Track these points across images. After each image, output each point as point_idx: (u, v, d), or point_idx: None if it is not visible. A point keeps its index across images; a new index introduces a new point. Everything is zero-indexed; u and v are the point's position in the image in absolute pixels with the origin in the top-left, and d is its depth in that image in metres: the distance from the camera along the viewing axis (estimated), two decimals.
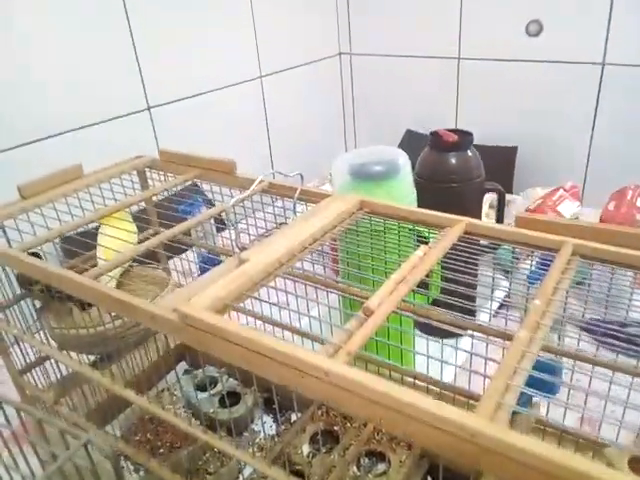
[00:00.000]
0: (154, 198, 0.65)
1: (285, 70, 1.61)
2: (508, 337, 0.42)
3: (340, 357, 0.29)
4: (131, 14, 1.18)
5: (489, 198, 0.96)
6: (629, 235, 0.39)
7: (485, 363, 0.35)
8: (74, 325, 0.54)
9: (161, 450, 0.67)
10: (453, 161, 0.77)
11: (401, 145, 1.67)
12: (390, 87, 1.73)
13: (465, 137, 0.78)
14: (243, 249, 0.42)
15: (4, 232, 0.52)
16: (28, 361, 0.60)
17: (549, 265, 0.47)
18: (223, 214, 0.52)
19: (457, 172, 0.77)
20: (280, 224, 0.45)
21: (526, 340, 0.30)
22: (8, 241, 0.50)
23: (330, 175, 1.29)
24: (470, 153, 0.78)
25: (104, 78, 1.16)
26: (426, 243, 0.45)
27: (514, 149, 1.48)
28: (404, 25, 1.62)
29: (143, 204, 0.66)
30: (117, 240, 0.58)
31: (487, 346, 0.42)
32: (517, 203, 1.15)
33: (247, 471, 0.65)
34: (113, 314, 0.53)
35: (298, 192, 0.48)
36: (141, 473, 0.65)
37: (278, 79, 1.59)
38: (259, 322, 0.59)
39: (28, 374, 0.61)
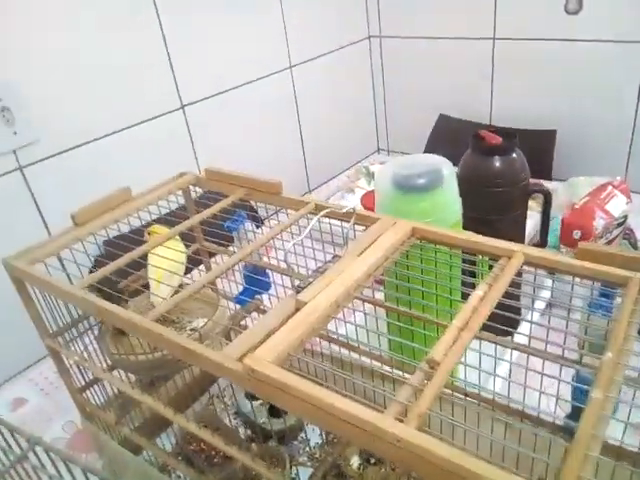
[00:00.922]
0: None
1: (315, 58, 1.59)
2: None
3: (411, 421, 0.30)
4: (161, 10, 1.17)
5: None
6: None
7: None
8: (131, 350, 0.56)
9: (215, 459, 0.69)
10: (497, 165, 0.75)
11: (434, 130, 1.64)
12: (422, 70, 1.69)
13: (509, 139, 0.76)
14: (299, 288, 0.42)
15: (61, 263, 0.54)
16: (87, 379, 0.63)
17: (609, 295, 0.46)
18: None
19: (502, 176, 0.75)
20: (334, 257, 0.45)
21: (600, 405, 0.29)
22: (68, 276, 0.51)
23: (364, 169, 1.28)
24: (515, 155, 0.76)
25: (137, 79, 1.16)
26: (473, 275, 0.44)
27: (553, 133, 1.44)
28: (436, 5, 1.57)
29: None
30: (167, 260, 0.59)
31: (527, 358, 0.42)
32: (558, 194, 1.11)
33: None
34: None
35: (353, 221, 0.48)
36: None
37: (307, 68, 1.57)
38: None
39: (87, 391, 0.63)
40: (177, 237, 0.64)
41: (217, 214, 0.64)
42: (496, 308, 0.39)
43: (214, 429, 0.77)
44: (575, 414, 0.48)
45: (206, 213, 0.61)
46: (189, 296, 0.48)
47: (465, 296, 0.40)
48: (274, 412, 0.72)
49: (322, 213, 0.48)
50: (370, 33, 1.75)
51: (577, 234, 0.81)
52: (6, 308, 0.56)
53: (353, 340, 0.43)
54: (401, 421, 0.30)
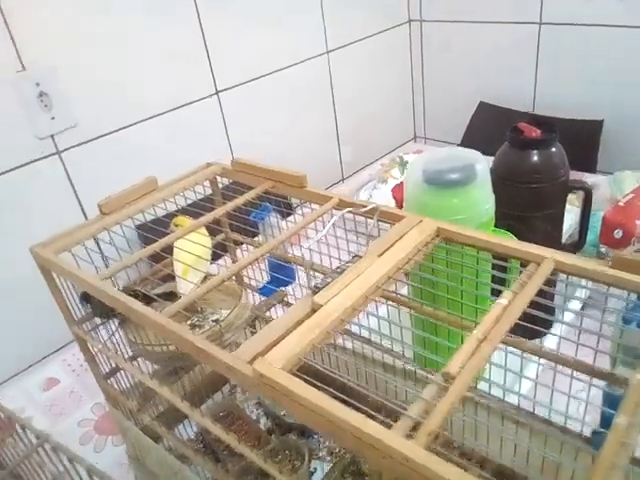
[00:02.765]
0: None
1: (352, 43, 1.56)
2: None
3: (420, 438, 0.28)
4: None
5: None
6: None
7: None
8: (152, 339, 0.56)
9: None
10: (535, 159, 0.72)
11: (473, 118, 1.59)
12: (463, 56, 1.64)
13: (549, 131, 0.73)
14: (316, 288, 0.41)
15: (87, 253, 0.54)
16: (112, 366, 0.64)
17: None
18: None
19: (540, 171, 0.72)
20: (354, 257, 0.44)
21: (623, 432, 0.27)
22: (96, 268, 0.52)
23: (399, 158, 1.25)
24: (554, 149, 0.72)
25: (173, 64, 1.17)
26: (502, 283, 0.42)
27: (599, 123, 1.37)
28: None
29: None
30: (193, 250, 0.59)
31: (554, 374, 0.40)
32: (602, 188, 1.06)
33: (317, 477, 0.66)
34: None
35: (376, 218, 0.46)
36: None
37: (344, 53, 1.54)
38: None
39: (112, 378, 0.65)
40: (203, 228, 0.64)
41: (243, 206, 0.63)
42: (528, 307, 0.37)
43: (235, 419, 0.78)
44: (605, 425, 0.46)
45: (232, 204, 0.61)
46: (212, 289, 0.47)
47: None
48: None
49: (344, 212, 0.46)
50: (411, 17, 1.70)
51: (618, 233, 0.76)
52: (40, 290, 0.57)
53: (376, 333, 0.42)
54: (411, 437, 0.28)
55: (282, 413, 0.71)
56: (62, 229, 0.57)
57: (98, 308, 0.55)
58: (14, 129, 0.96)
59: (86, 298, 0.54)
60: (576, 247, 0.79)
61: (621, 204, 0.79)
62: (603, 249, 0.79)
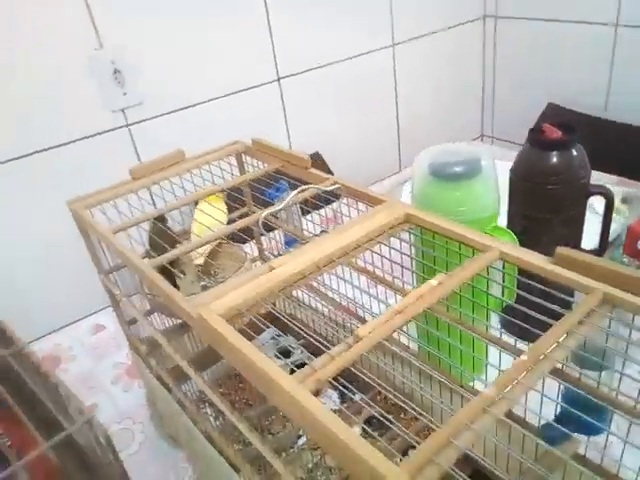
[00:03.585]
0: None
1: (422, 36, 1.56)
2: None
3: (308, 384, 0.33)
4: None
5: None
6: None
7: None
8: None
9: (236, 405, 0.77)
10: (554, 160, 0.71)
11: (540, 119, 1.54)
12: (535, 55, 1.59)
13: (569, 133, 0.72)
14: (278, 256, 0.46)
15: (116, 209, 0.62)
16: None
17: None
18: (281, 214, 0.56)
19: (558, 172, 0.71)
20: (321, 232, 0.48)
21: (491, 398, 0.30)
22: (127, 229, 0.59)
23: None
24: (575, 152, 0.71)
25: (236, 49, 1.24)
26: None
27: None
28: None
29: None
30: (209, 218, 0.66)
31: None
32: None
33: (303, 440, 0.71)
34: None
35: (343, 196, 0.50)
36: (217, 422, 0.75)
37: (412, 46, 1.55)
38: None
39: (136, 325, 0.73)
40: (222, 201, 0.71)
41: (262, 180, 0.68)
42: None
43: (244, 379, 0.84)
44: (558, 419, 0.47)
45: (250, 175, 0.67)
46: (207, 245, 0.54)
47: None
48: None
49: (308, 187, 0.51)
50: (486, 12, 1.67)
51: None
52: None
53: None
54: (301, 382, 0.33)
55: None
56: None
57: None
58: (90, 101, 1.08)
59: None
60: (597, 254, 0.77)
61: None
62: (626, 259, 0.77)
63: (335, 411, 0.76)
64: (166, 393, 0.68)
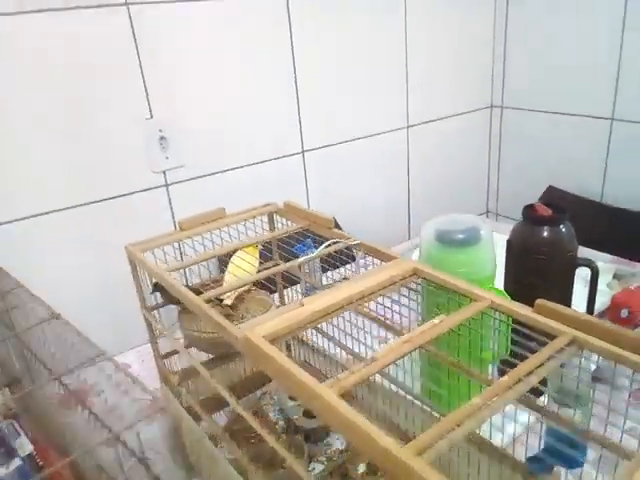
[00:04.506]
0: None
1: (433, 121, 1.72)
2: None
3: (335, 389, 0.42)
4: (297, 58, 1.40)
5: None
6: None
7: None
8: (199, 329, 0.73)
9: (252, 441, 0.83)
10: (545, 234, 0.82)
11: (540, 200, 1.66)
12: (536, 142, 1.74)
13: (560, 213, 0.83)
14: (306, 294, 0.55)
15: (164, 255, 0.73)
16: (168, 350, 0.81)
17: None
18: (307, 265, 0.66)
19: (548, 245, 0.82)
20: (343, 279, 0.58)
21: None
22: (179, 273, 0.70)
23: None
24: (564, 229, 0.82)
25: (265, 122, 1.40)
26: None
27: None
28: (560, 80, 1.62)
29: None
30: (240, 269, 0.77)
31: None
32: None
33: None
34: None
35: (361, 253, 0.60)
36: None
37: (424, 129, 1.70)
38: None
39: (168, 359, 0.82)
40: (256, 254, 0.81)
41: (292, 237, 0.79)
42: None
43: (259, 416, 0.91)
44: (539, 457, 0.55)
45: (280, 232, 0.78)
46: (239, 289, 0.64)
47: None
48: (307, 414, 0.85)
49: (329, 242, 0.61)
50: (493, 103, 1.84)
51: (625, 312, 0.83)
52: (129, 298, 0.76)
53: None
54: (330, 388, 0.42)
55: (295, 417, 0.84)
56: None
57: (165, 297, 0.73)
58: (138, 162, 1.22)
59: (157, 288, 0.73)
60: None
61: (632, 288, 0.86)
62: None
63: (342, 451, 0.82)
64: (193, 422, 0.76)
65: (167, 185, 1.29)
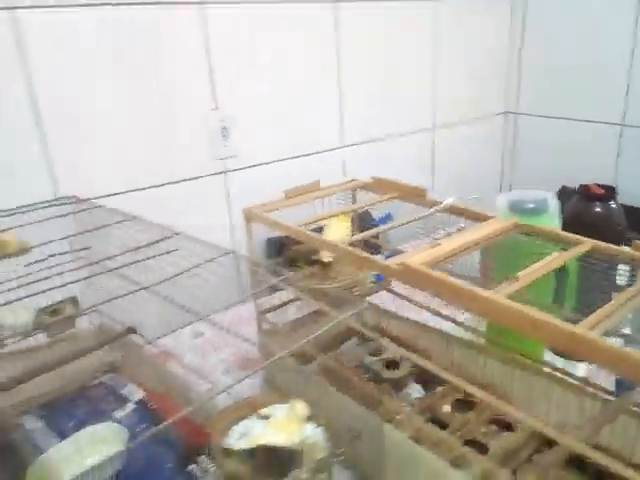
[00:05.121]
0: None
1: (453, 124, 1.86)
2: None
3: (500, 294, 0.52)
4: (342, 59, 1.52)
5: None
6: None
7: None
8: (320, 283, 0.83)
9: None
10: (597, 209, 0.95)
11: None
12: (550, 146, 1.88)
13: (610, 191, 0.96)
14: (435, 240, 0.66)
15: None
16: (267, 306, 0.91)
17: None
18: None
19: (600, 219, 0.94)
20: (458, 229, 0.69)
21: None
22: None
23: None
24: (613, 205, 0.95)
25: (309, 118, 1.50)
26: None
27: None
28: (571, 86, 1.77)
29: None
30: (339, 231, 0.87)
31: None
32: None
33: None
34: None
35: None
36: None
37: (447, 132, 1.84)
38: None
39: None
40: (348, 221, 0.92)
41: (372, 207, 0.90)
42: None
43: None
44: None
45: (366, 201, 0.89)
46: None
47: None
48: (389, 366, 0.95)
49: (446, 202, 0.72)
50: (507, 109, 1.99)
51: None
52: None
53: None
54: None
55: (379, 369, 0.94)
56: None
57: (284, 254, 0.83)
58: (201, 149, 1.32)
59: (276, 245, 0.82)
60: None
61: None
62: None
63: (420, 399, 0.92)
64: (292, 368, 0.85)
65: (225, 172, 1.38)
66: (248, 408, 0.60)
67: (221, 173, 1.37)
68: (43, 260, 0.85)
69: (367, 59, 1.57)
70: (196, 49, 1.25)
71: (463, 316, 0.91)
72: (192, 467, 0.75)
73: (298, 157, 1.50)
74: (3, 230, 0.86)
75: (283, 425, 0.57)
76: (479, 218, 0.76)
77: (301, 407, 0.58)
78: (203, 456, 0.77)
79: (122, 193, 1.23)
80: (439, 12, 1.70)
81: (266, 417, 0.59)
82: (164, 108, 1.23)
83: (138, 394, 0.90)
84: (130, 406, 0.88)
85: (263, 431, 0.57)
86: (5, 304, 0.71)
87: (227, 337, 1.10)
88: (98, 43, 1.12)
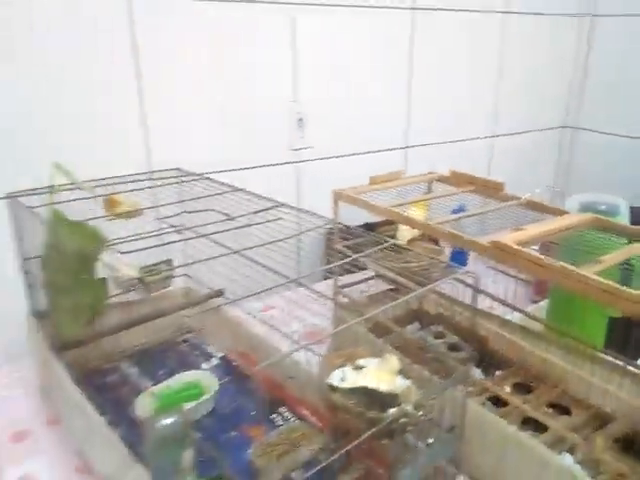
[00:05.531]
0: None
1: (511, 135, 1.91)
2: None
3: (588, 270, 0.59)
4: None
5: None
6: None
7: None
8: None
9: None
10: None
11: None
12: (608, 163, 1.91)
13: None
14: (519, 228, 0.73)
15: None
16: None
17: None
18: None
19: None
20: (536, 221, 0.76)
21: None
22: None
23: None
24: None
25: (375, 114, 1.58)
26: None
27: None
28: (635, 105, 1.80)
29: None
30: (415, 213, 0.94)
31: None
32: None
33: None
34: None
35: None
36: None
37: (505, 141, 1.89)
38: None
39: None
40: (425, 207, 0.99)
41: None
42: None
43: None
44: None
45: (439, 192, 0.96)
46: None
47: None
48: (452, 349, 1.02)
49: (525, 196, 0.79)
50: (565, 124, 2.03)
51: None
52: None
53: None
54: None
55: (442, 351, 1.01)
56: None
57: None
58: (279, 139, 1.41)
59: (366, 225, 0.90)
60: None
61: None
62: None
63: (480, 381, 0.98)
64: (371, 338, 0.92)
65: (297, 162, 1.47)
66: (345, 358, 0.67)
67: (293, 163, 1.46)
68: (149, 223, 0.94)
69: (437, 68, 1.65)
70: (284, 46, 1.35)
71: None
72: (274, 416, 0.84)
73: (363, 154, 1.58)
74: (116, 193, 0.96)
75: (377, 375, 0.64)
76: (556, 213, 0.83)
77: (394, 360, 0.65)
78: (283, 407, 0.86)
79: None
80: (507, 25, 1.77)
81: (360, 367, 0.67)
82: (250, 96, 1.33)
83: (221, 351, 0.99)
84: (214, 361, 0.97)
85: (360, 378, 0.64)
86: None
87: (298, 312, 1.18)
88: (199, 37, 1.22)
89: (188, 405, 0.78)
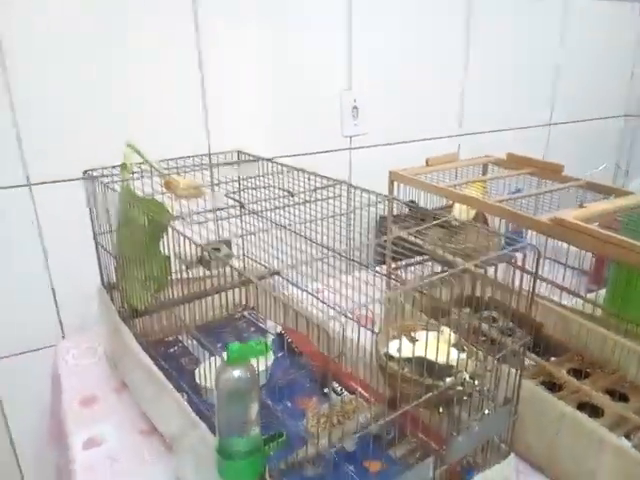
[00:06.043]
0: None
1: (573, 122, 1.86)
2: None
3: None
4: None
5: None
6: None
7: None
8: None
9: None
10: None
11: None
12: None
13: None
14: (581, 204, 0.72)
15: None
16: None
17: None
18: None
19: None
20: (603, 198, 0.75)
21: None
22: None
23: None
24: None
25: (432, 100, 1.58)
26: None
27: None
28: None
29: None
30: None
31: None
32: None
33: None
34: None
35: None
36: None
37: (564, 128, 1.84)
38: None
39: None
40: (484, 186, 0.99)
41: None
42: None
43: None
44: None
45: (503, 174, 0.95)
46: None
47: None
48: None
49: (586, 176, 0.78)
50: (627, 112, 1.96)
51: None
52: None
53: None
54: None
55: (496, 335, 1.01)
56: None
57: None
58: (333, 126, 1.43)
59: (412, 205, 0.91)
60: None
61: None
62: None
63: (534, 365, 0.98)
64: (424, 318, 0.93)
65: (351, 149, 1.48)
66: (401, 330, 0.69)
67: (347, 149, 1.48)
68: (210, 202, 0.98)
69: (494, 54, 1.63)
70: (340, 31, 1.37)
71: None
72: (326, 390, 0.86)
73: (416, 141, 1.58)
74: (178, 172, 1.00)
75: (433, 346, 0.66)
76: (618, 194, 0.81)
77: (449, 333, 0.67)
78: (335, 382, 0.88)
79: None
80: (568, 9, 1.72)
81: (416, 340, 0.68)
82: (305, 81, 1.36)
83: (277, 328, 1.02)
84: (270, 337, 1.00)
85: (416, 349, 0.66)
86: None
87: (352, 293, 1.20)
88: (260, 23, 1.26)
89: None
